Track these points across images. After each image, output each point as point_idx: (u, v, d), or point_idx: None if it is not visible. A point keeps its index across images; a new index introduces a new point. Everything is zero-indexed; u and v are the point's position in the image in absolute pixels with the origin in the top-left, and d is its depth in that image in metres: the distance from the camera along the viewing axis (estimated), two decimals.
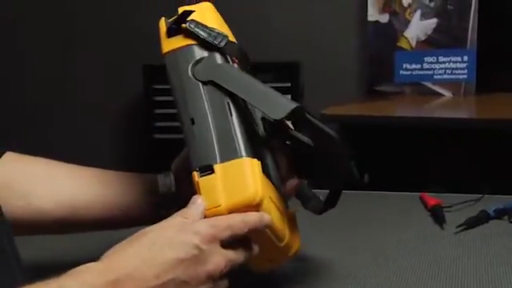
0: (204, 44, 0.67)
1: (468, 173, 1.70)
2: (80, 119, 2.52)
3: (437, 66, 2.05)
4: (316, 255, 0.83)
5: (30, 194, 0.74)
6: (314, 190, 0.74)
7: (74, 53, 2.50)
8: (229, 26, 0.74)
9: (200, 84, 0.66)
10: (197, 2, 0.72)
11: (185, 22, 0.68)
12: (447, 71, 2.04)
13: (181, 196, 0.73)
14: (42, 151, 0.81)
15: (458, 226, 0.93)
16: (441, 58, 2.04)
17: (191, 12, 0.69)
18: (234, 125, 0.64)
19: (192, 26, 0.68)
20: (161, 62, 2.47)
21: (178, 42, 0.69)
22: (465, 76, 2.03)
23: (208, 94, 0.65)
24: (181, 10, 0.70)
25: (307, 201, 0.74)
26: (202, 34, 0.67)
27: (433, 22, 2.04)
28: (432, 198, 1.03)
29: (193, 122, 0.64)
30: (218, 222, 0.60)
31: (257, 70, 0.73)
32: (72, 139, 2.50)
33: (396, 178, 1.50)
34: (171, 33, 0.69)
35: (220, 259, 0.59)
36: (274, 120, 0.65)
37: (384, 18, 2.07)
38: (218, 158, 0.62)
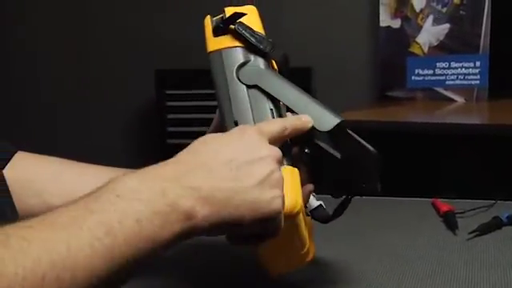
0: (250, 48, 0.68)
1: (480, 178, 1.69)
2: (92, 123, 2.53)
3: (449, 71, 2.04)
4: (328, 260, 0.83)
5: (43, 192, 0.75)
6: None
7: (88, 57, 2.52)
8: None
9: (245, 87, 0.66)
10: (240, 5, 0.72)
11: (233, 23, 0.68)
12: (459, 77, 2.03)
13: None
14: (54, 154, 0.82)
15: (470, 232, 0.92)
16: (453, 64, 2.04)
17: (242, 15, 0.69)
18: None
19: (241, 29, 0.68)
20: (173, 67, 2.47)
21: (225, 42, 0.69)
22: (477, 81, 2.02)
23: (252, 98, 0.66)
24: (228, 10, 0.70)
25: (314, 208, 0.74)
26: (251, 38, 0.68)
27: (445, 27, 2.03)
28: (444, 204, 1.03)
29: (236, 125, 0.65)
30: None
31: None
32: (85, 143, 2.51)
33: (408, 184, 1.49)
34: (218, 32, 0.69)
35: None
36: (318, 131, 0.65)
37: (396, 24, 2.07)
38: None
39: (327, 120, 0.64)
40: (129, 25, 2.45)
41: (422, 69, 2.06)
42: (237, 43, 0.68)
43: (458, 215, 0.99)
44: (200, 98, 2.15)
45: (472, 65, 2.02)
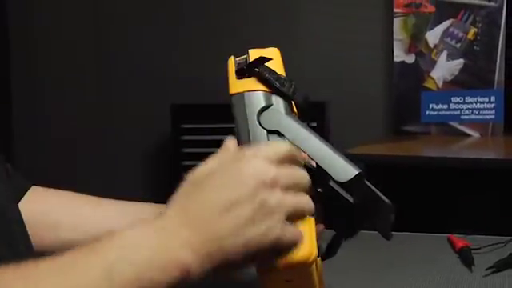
0: (273, 91, 0.68)
1: (496, 214, 1.67)
2: (109, 157, 2.55)
3: (464, 106, 2.04)
4: None
5: (58, 227, 0.75)
6: None
7: (105, 92, 2.55)
8: None
9: (265, 132, 0.66)
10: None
11: (257, 66, 0.68)
12: (474, 111, 2.03)
13: None
14: (72, 187, 0.83)
15: (487, 269, 0.91)
16: (468, 99, 2.04)
17: (267, 59, 0.69)
18: None
19: (265, 73, 0.68)
20: (188, 101, 2.49)
21: (248, 85, 0.69)
22: (492, 116, 2.02)
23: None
24: (252, 53, 0.71)
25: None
26: (275, 82, 0.68)
27: (459, 62, 2.04)
28: (460, 240, 1.02)
29: None
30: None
31: None
32: (102, 177, 2.52)
33: (423, 219, 1.48)
34: (241, 74, 0.69)
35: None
36: (336, 182, 0.65)
37: (410, 59, 2.08)
38: None
39: (345, 170, 0.64)
40: (145, 59, 2.48)
41: (437, 103, 2.07)
42: (260, 87, 0.68)
43: (474, 251, 0.98)
44: (215, 132, 2.17)
45: (487, 100, 2.02)
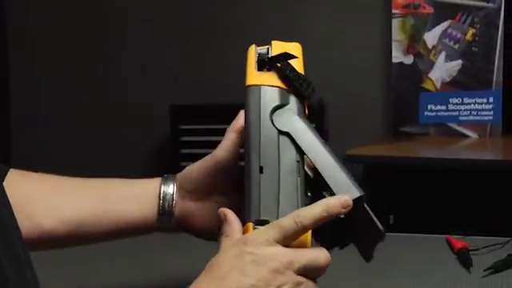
0: (291, 90, 0.66)
1: (495, 215, 1.68)
2: (106, 158, 2.55)
3: (462, 107, 2.05)
4: None
5: (34, 215, 0.74)
6: None
7: (102, 91, 2.55)
8: None
9: (277, 132, 0.64)
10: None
11: (280, 61, 0.67)
12: (472, 112, 2.04)
13: (184, 206, 0.75)
14: None
15: (485, 270, 0.92)
16: (466, 99, 2.04)
17: (291, 57, 0.67)
18: (298, 186, 0.62)
19: (288, 71, 0.66)
20: (188, 102, 2.49)
21: (268, 79, 0.67)
22: (490, 117, 2.02)
23: (282, 145, 0.64)
24: (275, 45, 0.69)
25: None
26: (296, 82, 0.66)
27: (457, 63, 2.04)
28: (458, 241, 1.02)
29: (261, 171, 0.62)
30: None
31: None
32: (100, 177, 2.52)
33: (421, 220, 1.49)
34: (262, 66, 0.67)
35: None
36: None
37: (409, 60, 2.09)
38: (277, 215, 0.61)
39: (348, 191, 0.62)
40: (143, 59, 2.48)
41: (435, 104, 2.07)
42: (278, 83, 0.66)
43: (472, 252, 0.98)
44: (214, 133, 2.16)
45: (485, 100, 2.03)
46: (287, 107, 0.66)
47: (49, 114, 2.58)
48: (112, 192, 0.78)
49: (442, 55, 2.06)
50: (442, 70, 2.06)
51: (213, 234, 0.70)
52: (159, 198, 0.76)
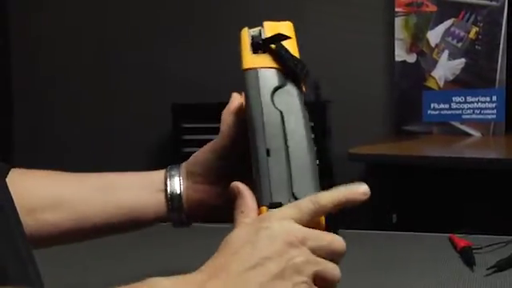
0: (286, 71, 0.66)
1: (498, 214, 1.67)
2: (108, 157, 2.55)
3: (465, 105, 2.04)
4: None
5: (35, 210, 0.74)
6: None
7: (103, 89, 2.55)
8: None
9: (279, 113, 0.64)
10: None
11: (274, 42, 0.66)
12: (476, 111, 2.03)
13: (190, 197, 0.74)
14: None
15: (488, 269, 0.91)
16: (469, 98, 2.04)
17: (285, 37, 0.67)
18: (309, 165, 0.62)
19: (282, 52, 0.66)
20: (190, 100, 2.48)
21: (264, 61, 0.66)
22: (494, 116, 2.02)
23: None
24: (267, 26, 0.69)
25: None
26: (290, 62, 0.66)
27: (461, 62, 2.04)
28: (461, 240, 1.02)
29: (268, 154, 0.62)
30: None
31: None
32: None
33: (424, 219, 1.49)
34: (257, 49, 0.67)
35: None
36: None
37: (412, 58, 2.08)
38: (290, 197, 0.60)
39: (304, 187, 0.61)
40: (145, 58, 2.48)
41: (438, 103, 2.06)
42: (274, 65, 0.66)
43: (475, 251, 0.98)
44: (216, 131, 2.16)
45: (488, 99, 2.02)
46: (286, 88, 0.66)
47: (51, 114, 2.59)
48: (111, 183, 0.77)
49: (445, 54, 2.05)
50: (445, 68, 2.05)
51: (223, 213, 0.70)
52: (165, 189, 0.76)
